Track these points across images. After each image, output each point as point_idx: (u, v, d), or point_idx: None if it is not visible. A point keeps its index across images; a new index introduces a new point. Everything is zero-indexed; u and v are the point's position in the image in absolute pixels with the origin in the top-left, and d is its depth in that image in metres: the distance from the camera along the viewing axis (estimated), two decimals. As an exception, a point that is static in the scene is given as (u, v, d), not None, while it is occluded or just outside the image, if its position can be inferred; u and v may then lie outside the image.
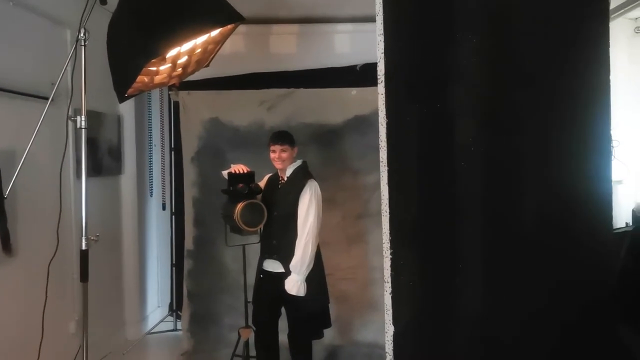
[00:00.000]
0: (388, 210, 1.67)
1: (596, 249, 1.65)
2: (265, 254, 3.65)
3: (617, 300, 1.69)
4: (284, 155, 3.56)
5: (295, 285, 3.42)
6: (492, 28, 1.67)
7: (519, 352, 1.69)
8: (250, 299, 3.96)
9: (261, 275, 3.67)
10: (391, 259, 1.67)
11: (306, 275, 3.44)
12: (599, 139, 1.66)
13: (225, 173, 3.69)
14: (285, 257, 3.51)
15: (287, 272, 3.49)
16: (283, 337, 3.76)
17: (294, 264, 3.43)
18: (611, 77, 1.65)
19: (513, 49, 1.66)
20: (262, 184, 3.78)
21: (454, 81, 1.64)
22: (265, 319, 3.70)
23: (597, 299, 1.66)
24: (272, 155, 3.60)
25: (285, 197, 3.56)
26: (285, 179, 3.63)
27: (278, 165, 3.61)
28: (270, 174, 3.80)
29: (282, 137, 3.59)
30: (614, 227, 1.76)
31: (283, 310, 3.72)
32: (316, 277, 3.58)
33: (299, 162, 3.66)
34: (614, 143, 2.08)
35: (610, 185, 1.66)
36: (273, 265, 3.60)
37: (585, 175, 1.66)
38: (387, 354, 1.71)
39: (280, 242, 3.56)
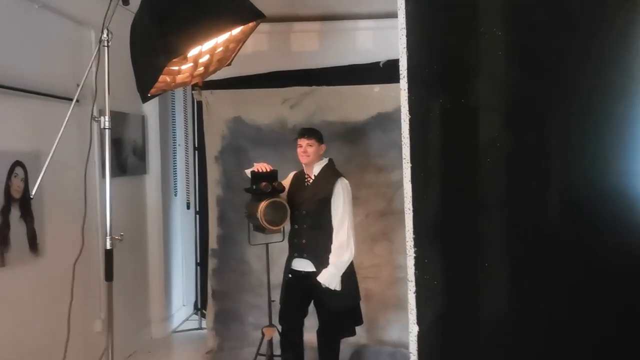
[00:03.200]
0: (411, 208, 1.64)
1: (627, 248, 1.60)
2: (295, 253, 3.63)
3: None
4: (310, 149, 3.54)
5: (331, 278, 3.41)
6: (517, 21, 1.63)
7: (545, 353, 1.65)
8: (274, 298, 3.97)
9: (290, 276, 3.66)
10: (415, 257, 1.64)
11: (343, 270, 3.43)
12: (630, 134, 1.61)
13: (248, 172, 3.69)
14: (316, 255, 3.51)
15: (318, 271, 3.48)
16: (307, 336, 3.76)
17: (333, 259, 3.42)
18: (642, 70, 1.60)
19: (539, 42, 1.62)
20: (287, 181, 3.77)
21: (478, 76, 1.60)
22: (292, 319, 3.70)
23: (628, 300, 1.61)
24: (298, 149, 3.59)
25: (313, 195, 3.54)
26: (313, 177, 3.61)
27: (303, 159, 3.58)
28: (295, 172, 3.78)
29: (309, 131, 3.60)
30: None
31: (308, 309, 3.72)
32: (347, 274, 3.57)
33: (325, 161, 3.65)
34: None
35: (641, 182, 1.61)
36: (302, 265, 3.59)
37: (616, 171, 1.61)
38: (411, 354, 1.68)
39: (310, 241, 3.55)
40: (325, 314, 3.59)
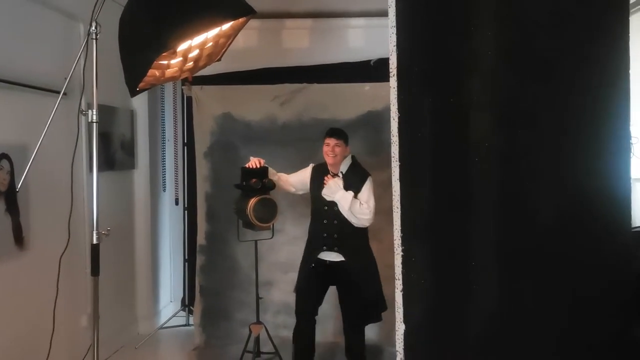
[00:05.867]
0: (399, 207, 1.64)
1: (614, 248, 1.61)
2: (323, 247, 3.67)
3: (636, 300, 1.65)
4: (338, 149, 3.61)
5: (335, 192, 3.55)
6: (508, 20, 1.63)
7: (532, 353, 1.65)
8: (261, 295, 3.98)
9: (313, 265, 3.70)
10: (402, 256, 1.64)
11: (346, 205, 3.51)
12: (618, 135, 1.62)
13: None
14: (347, 248, 3.61)
15: (347, 261, 3.60)
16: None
17: (348, 196, 3.52)
18: (630, 72, 1.61)
19: (529, 42, 1.62)
20: (306, 174, 3.81)
21: (468, 74, 1.60)
22: (309, 306, 3.74)
23: (615, 299, 1.62)
24: (325, 148, 3.64)
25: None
26: (340, 174, 3.66)
27: (329, 159, 3.63)
28: (314, 165, 3.81)
29: (339, 132, 3.68)
30: (633, 226, 1.73)
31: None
32: (369, 263, 3.70)
33: (350, 159, 3.72)
34: (633, 140, 2.04)
35: (629, 183, 1.62)
36: (331, 256, 3.66)
37: (604, 172, 1.61)
38: (397, 353, 1.68)
39: (341, 236, 3.62)
40: (351, 303, 3.66)
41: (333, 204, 3.59)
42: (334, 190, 3.55)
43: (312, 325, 3.76)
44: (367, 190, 3.59)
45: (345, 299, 3.73)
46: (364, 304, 3.65)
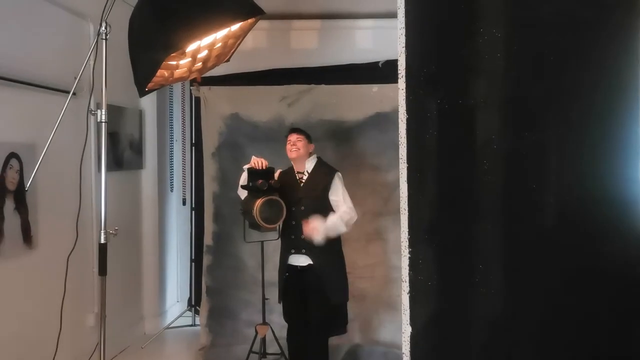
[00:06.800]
0: (407, 208, 1.63)
1: (622, 251, 1.60)
2: (292, 250, 3.62)
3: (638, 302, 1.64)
4: (300, 144, 3.60)
5: (317, 229, 3.44)
6: (516, 21, 1.62)
7: (538, 355, 1.64)
8: (268, 295, 3.96)
9: (287, 274, 3.66)
10: (409, 257, 1.63)
11: (332, 232, 3.47)
12: (628, 136, 1.61)
13: (246, 167, 3.69)
14: (315, 250, 3.52)
15: (315, 265, 3.52)
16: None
17: (332, 220, 3.46)
18: (640, 73, 1.60)
19: (538, 43, 1.61)
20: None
21: (476, 76, 1.60)
22: (297, 315, 3.69)
23: (624, 303, 1.60)
24: (287, 146, 3.64)
25: (311, 191, 3.58)
26: (306, 173, 3.63)
27: (292, 154, 3.61)
28: (281, 170, 3.79)
29: (298, 129, 3.70)
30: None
31: None
32: (338, 269, 3.62)
33: (315, 158, 3.69)
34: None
35: (638, 185, 1.61)
36: (299, 260, 3.60)
37: (612, 174, 1.60)
38: (404, 355, 1.68)
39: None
40: (315, 310, 3.58)
41: (300, 204, 3.56)
42: (321, 231, 3.44)
43: (303, 330, 3.69)
44: (340, 188, 3.56)
45: (310, 306, 3.62)
46: (330, 310, 3.57)
